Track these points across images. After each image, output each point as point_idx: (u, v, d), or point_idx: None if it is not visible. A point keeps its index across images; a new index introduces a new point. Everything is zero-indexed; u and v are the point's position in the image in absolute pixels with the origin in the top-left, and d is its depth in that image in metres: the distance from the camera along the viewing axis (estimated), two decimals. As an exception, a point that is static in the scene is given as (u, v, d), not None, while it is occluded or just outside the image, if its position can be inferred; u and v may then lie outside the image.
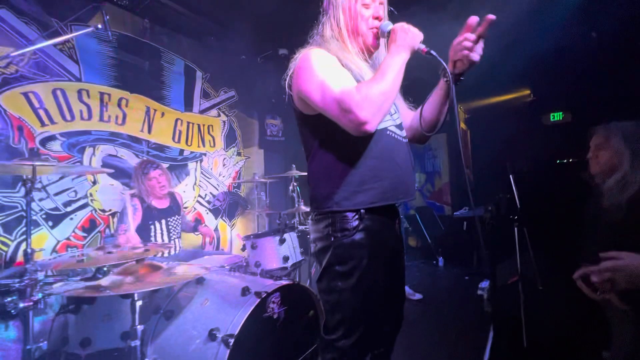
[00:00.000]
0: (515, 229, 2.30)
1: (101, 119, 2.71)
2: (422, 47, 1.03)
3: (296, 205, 2.59)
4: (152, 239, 2.40)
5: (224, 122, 3.80)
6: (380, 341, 1.19)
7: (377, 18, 1.11)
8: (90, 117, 2.64)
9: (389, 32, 1.06)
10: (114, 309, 1.63)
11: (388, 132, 1.09)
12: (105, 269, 1.28)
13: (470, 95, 5.45)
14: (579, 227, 1.73)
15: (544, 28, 3.64)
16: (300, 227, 2.51)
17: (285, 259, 2.26)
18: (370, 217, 1.04)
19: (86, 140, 2.62)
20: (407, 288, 3.31)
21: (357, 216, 1.03)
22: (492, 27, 1.02)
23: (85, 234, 2.58)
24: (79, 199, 2.55)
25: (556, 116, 4.86)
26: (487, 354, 2.19)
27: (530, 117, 5.04)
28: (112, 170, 2.68)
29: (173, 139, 3.26)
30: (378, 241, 1.04)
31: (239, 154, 3.97)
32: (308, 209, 1.19)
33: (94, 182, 2.65)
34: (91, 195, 2.62)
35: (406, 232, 4.82)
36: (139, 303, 1.41)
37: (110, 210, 2.72)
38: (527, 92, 5.26)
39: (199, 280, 1.82)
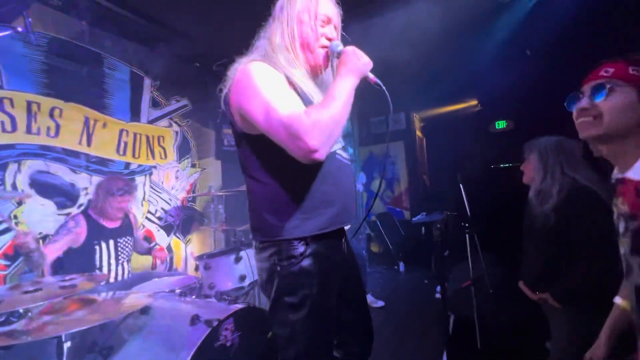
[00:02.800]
0: (467, 235, 2.42)
1: (28, 130, 2.40)
2: (371, 76, 1.02)
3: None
4: (97, 262, 2.16)
5: (176, 132, 3.59)
6: None
7: (329, 39, 1.08)
8: (14, 128, 2.34)
9: (339, 53, 1.03)
10: (38, 353, 1.42)
11: (337, 156, 1.06)
12: (20, 311, 1.10)
13: (425, 105, 5.72)
14: (521, 231, 1.85)
15: (488, 42, 3.93)
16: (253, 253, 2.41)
17: (242, 278, 2.15)
18: (316, 242, 0.99)
19: (9, 155, 2.31)
20: (369, 296, 3.33)
21: (303, 242, 0.98)
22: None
23: (8, 262, 2.25)
24: None
25: (500, 124, 5.26)
26: (444, 356, 2.26)
27: (478, 125, 5.41)
28: (31, 195, 2.37)
29: (117, 151, 3.00)
30: (327, 265, 1.00)
31: (193, 165, 3.76)
32: (251, 236, 1.11)
33: (20, 203, 2.34)
34: (15, 217, 2.31)
35: (368, 239, 4.89)
36: (67, 344, 1.23)
37: (40, 233, 2.41)
38: (475, 102, 5.65)
39: (144, 310, 1.65)
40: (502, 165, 4.60)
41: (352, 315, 1.15)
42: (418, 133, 6.16)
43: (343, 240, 1.14)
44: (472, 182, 3.75)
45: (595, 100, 0.83)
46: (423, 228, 4.77)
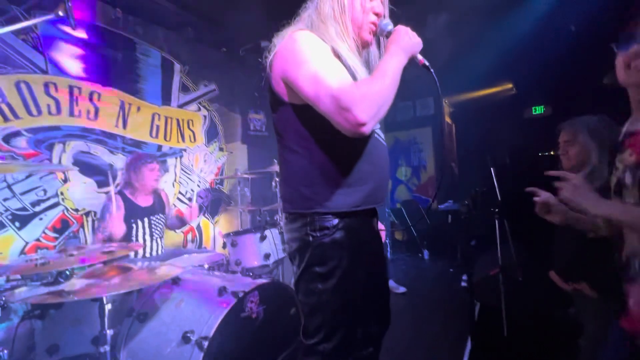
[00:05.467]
0: (496, 221, 2.32)
1: (71, 113, 2.57)
2: (420, 57, 1.00)
3: (278, 201, 2.54)
4: (133, 238, 2.31)
5: (204, 116, 3.69)
6: (367, 342, 1.16)
7: (377, 14, 1.05)
8: (59, 111, 2.51)
9: (389, 32, 1.01)
10: (83, 314, 1.55)
11: (375, 135, 1.05)
12: (67, 272, 1.21)
13: (455, 89, 5.48)
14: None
15: (525, 22, 3.67)
16: (283, 224, 2.46)
17: (267, 256, 2.22)
18: (349, 217, 0.99)
19: (55, 136, 2.49)
20: (391, 282, 3.32)
21: (336, 216, 0.98)
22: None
23: (56, 235, 2.46)
24: (48, 198, 2.42)
25: (537, 109, 4.94)
26: (468, 344, 2.22)
27: (512, 111, 5.12)
28: (76, 168, 2.55)
29: (150, 134, 3.14)
30: (358, 240, 1.00)
31: (221, 149, 3.87)
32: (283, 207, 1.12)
33: (65, 180, 2.53)
34: (62, 194, 2.50)
35: (392, 226, 4.84)
36: (108, 306, 1.34)
37: (83, 209, 2.61)
38: (510, 85, 5.32)
39: (175, 281, 1.75)
40: (540, 154, 4.34)
41: (375, 295, 1.15)
42: (447, 119, 5.92)
43: (374, 219, 1.13)
44: (504, 169, 3.58)
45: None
46: (450, 216, 4.64)
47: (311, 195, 0.98)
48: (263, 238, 2.23)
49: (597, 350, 1.56)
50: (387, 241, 3.45)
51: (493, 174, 2.27)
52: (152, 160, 2.40)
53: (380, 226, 1.35)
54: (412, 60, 0.99)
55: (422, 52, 1.02)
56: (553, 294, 1.81)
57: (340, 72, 0.89)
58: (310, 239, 0.98)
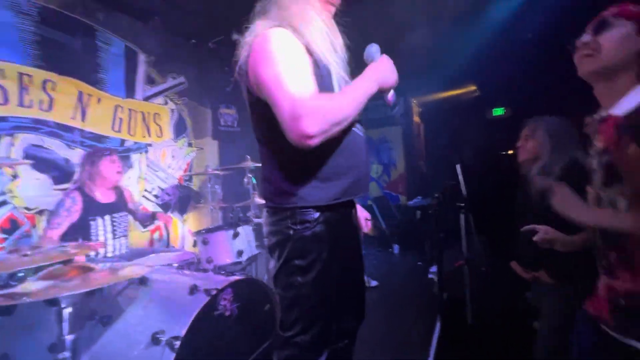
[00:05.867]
0: (462, 215, 2.45)
1: (21, 103, 2.35)
2: (391, 94, 1.04)
3: (251, 197, 2.50)
4: (92, 237, 2.16)
5: (172, 110, 3.54)
6: (343, 334, 1.18)
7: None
8: (6, 101, 2.28)
9: (373, 60, 1.04)
10: (38, 319, 1.44)
11: (353, 129, 1.06)
12: (21, 274, 1.11)
13: (423, 90, 5.68)
14: (514, 213, 1.88)
15: (487, 29, 3.88)
16: (256, 220, 2.43)
17: (240, 253, 2.17)
18: (330, 210, 1.01)
19: (2, 128, 2.27)
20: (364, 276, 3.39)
21: (317, 209, 0.99)
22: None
23: (5, 236, 2.25)
24: (-6, 196, 2.21)
25: (498, 111, 5.26)
26: (436, 332, 2.33)
27: (476, 112, 5.40)
28: (29, 162, 2.35)
29: (113, 127, 2.96)
30: (338, 233, 1.02)
31: (190, 144, 3.73)
32: (263, 202, 1.12)
33: (14, 177, 2.31)
34: (11, 191, 2.29)
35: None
36: (67, 310, 1.24)
37: (36, 207, 2.40)
38: (474, 88, 5.61)
39: (142, 281, 1.67)
40: (499, 153, 4.62)
41: (351, 289, 1.17)
42: (416, 118, 6.13)
43: (353, 211, 1.15)
44: (469, 166, 3.77)
45: (596, 35, 0.86)
46: (418, 212, 4.82)
47: (291, 190, 0.99)
48: (236, 235, 2.19)
49: (551, 332, 1.70)
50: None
51: (458, 170, 2.39)
52: (110, 154, 2.27)
53: (366, 214, 1.37)
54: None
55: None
56: (514, 282, 1.94)
57: (304, 79, 0.89)
58: (291, 232, 0.98)
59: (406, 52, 4.07)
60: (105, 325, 1.52)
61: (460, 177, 2.44)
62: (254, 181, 2.51)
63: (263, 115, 0.98)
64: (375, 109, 5.72)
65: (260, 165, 1.11)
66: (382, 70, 0.99)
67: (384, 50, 1.07)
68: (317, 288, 0.98)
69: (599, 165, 0.90)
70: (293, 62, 0.90)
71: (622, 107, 0.84)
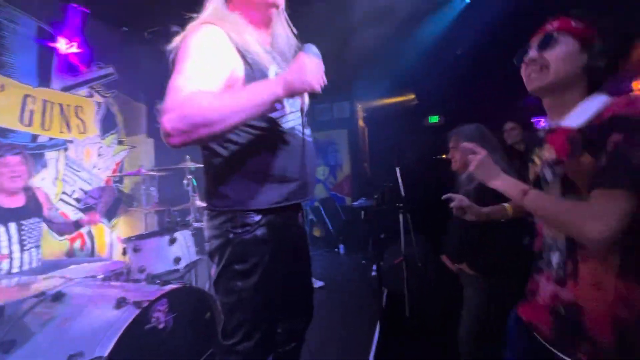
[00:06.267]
0: (400, 215, 2.61)
1: None
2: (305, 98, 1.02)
3: (191, 200, 2.35)
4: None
5: (98, 103, 3.16)
6: (290, 337, 1.16)
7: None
8: None
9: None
10: None
11: (296, 132, 1.04)
12: None
13: (368, 95, 5.93)
14: (447, 213, 2.06)
15: (424, 42, 4.22)
16: (196, 224, 2.28)
17: (177, 260, 2.02)
18: (273, 213, 0.99)
19: None
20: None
21: (258, 212, 0.97)
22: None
23: None
24: None
25: (433, 119, 5.72)
26: (377, 327, 2.44)
27: (414, 119, 5.82)
28: None
29: (21, 120, 2.54)
30: (281, 236, 1.00)
31: (120, 142, 3.38)
32: (204, 204, 1.06)
33: None
34: None
35: (311, 224, 4.98)
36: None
37: None
38: (413, 96, 6.04)
39: (57, 296, 1.46)
40: (434, 157, 5.02)
41: (298, 291, 1.16)
42: (360, 122, 6.38)
43: (299, 214, 1.14)
44: (408, 170, 4.04)
45: (542, 51, 0.89)
46: (363, 212, 5.00)
47: (231, 193, 0.96)
48: (172, 241, 2.03)
49: (472, 321, 1.89)
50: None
51: (398, 173, 2.54)
52: (15, 152, 1.95)
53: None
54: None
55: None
56: (447, 275, 2.12)
57: (201, 76, 0.83)
58: (231, 235, 0.95)
59: (353, 60, 4.23)
60: (7, 352, 1.29)
61: (400, 180, 2.60)
62: (195, 183, 2.36)
63: None
64: (322, 112, 5.83)
65: (201, 166, 1.05)
66: (294, 72, 0.85)
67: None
68: (259, 292, 0.96)
69: (553, 176, 0.89)
70: (203, 58, 0.86)
71: (572, 119, 0.85)
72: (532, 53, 0.90)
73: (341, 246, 4.85)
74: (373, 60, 4.51)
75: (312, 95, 0.91)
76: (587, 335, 0.77)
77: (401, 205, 2.60)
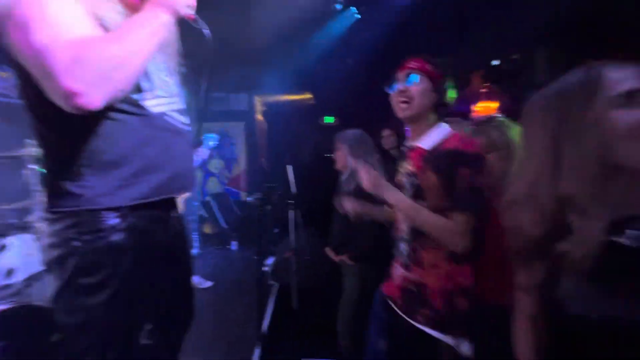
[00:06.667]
0: (291, 211, 2.70)
1: None
2: (189, 13, 0.87)
3: (32, 196, 1.87)
4: None
5: None
6: (162, 350, 1.04)
7: None
8: None
9: None
10: None
11: (166, 118, 0.91)
12: None
13: (268, 90, 5.89)
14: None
15: (322, 45, 4.45)
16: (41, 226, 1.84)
17: (10, 272, 1.59)
18: (135, 214, 0.83)
19: None
20: (196, 278, 3.21)
21: (116, 213, 0.81)
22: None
23: None
24: None
25: (329, 119, 6.10)
26: (267, 320, 2.48)
27: (311, 118, 6.08)
28: None
29: None
30: (146, 239, 0.86)
31: None
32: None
33: None
34: None
35: (201, 220, 4.67)
36: None
37: None
38: (310, 96, 6.29)
39: None
40: (326, 155, 5.36)
41: (172, 300, 1.05)
42: (259, 116, 6.30)
43: (172, 211, 1.00)
44: (303, 166, 4.20)
45: (408, 85, 1.11)
46: (258, 208, 4.97)
47: (77, 189, 0.77)
48: (3, 248, 1.58)
49: (349, 304, 2.11)
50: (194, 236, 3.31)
51: (290, 170, 2.62)
52: None
53: None
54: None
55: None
56: (332, 266, 2.30)
57: (65, 21, 0.67)
58: (77, 243, 0.78)
59: (253, 53, 4.13)
60: None
61: (291, 177, 2.68)
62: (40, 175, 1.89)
63: (30, 83, 0.71)
64: (218, 102, 5.49)
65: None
66: None
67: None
68: (112, 308, 0.82)
69: (409, 184, 1.14)
70: (63, 3, 0.68)
71: (425, 142, 1.12)
72: (401, 85, 1.12)
73: (233, 243, 4.71)
74: (274, 56, 4.51)
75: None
76: (426, 303, 1.05)
77: (292, 201, 2.69)
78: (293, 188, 2.71)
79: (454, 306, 1.03)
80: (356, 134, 2.08)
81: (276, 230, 3.98)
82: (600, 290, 0.58)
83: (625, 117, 0.54)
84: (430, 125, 1.14)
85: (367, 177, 1.12)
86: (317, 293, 2.71)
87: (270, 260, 3.30)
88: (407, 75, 1.13)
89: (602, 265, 0.55)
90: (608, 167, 0.56)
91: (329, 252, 2.30)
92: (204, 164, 4.79)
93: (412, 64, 1.14)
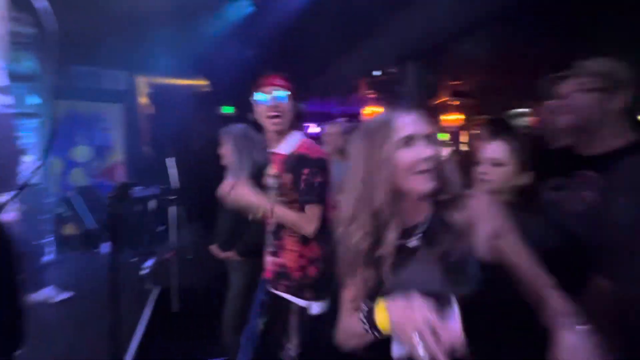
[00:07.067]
0: (173, 207, 2.49)
1: None
2: None
3: None
4: None
5: None
6: None
7: None
8: None
9: None
10: None
11: None
12: None
13: (154, 70, 5.24)
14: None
15: (218, 33, 4.20)
16: None
17: None
18: None
19: None
20: (49, 289, 2.68)
21: None
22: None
23: None
24: None
25: (227, 109, 5.82)
26: (142, 326, 2.25)
27: (206, 106, 5.67)
28: None
29: None
30: None
31: None
32: None
33: None
34: None
35: (59, 219, 3.86)
36: None
37: None
38: (206, 82, 5.85)
39: None
40: (216, 147, 5.09)
41: None
42: (143, 99, 5.53)
43: None
44: (192, 158, 3.87)
45: (279, 101, 1.28)
46: (139, 204, 4.39)
47: None
48: None
49: (234, 298, 2.10)
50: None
51: (171, 163, 2.41)
52: None
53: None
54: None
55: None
56: (217, 265, 2.22)
57: None
58: None
59: (137, 25, 3.56)
60: None
61: (173, 170, 2.47)
62: None
63: None
64: (87, 78, 4.57)
65: None
66: None
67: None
68: None
69: (273, 184, 1.34)
70: None
71: (284, 148, 1.33)
72: (273, 101, 1.29)
73: (104, 244, 4.06)
74: (159, 33, 4.01)
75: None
76: (288, 277, 1.33)
77: (173, 197, 2.49)
78: (175, 182, 2.50)
79: (307, 275, 1.33)
80: (241, 129, 2.05)
81: (161, 229, 3.62)
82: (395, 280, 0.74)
83: (404, 155, 0.72)
84: (289, 134, 1.35)
85: (232, 191, 1.33)
86: (201, 294, 2.58)
87: (149, 262, 2.97)
88: (273, 90, 1.30)
89: (396, 262, 0.73)
90: (398, 192, 0.74)
91: (214, 249, 2.22)
92: (63, 152, 3.94)
93: (278, 81, 1.32)
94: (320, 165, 1.29)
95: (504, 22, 3.24)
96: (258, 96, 1.32)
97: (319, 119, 7.75)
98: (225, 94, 5.57)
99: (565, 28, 3.27)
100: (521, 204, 1.08)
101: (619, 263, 0.79)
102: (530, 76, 1.21)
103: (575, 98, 1.11)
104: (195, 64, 4.97)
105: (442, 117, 7.51)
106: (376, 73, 4.09)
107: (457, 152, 5.49)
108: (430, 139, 0.75)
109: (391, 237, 0.73)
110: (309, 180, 1.25)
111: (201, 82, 5.84)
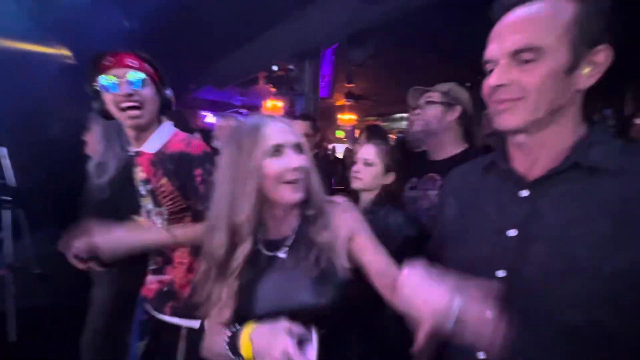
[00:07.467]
0: (6, 211, 1.94)
1: None
2: None
3: None
4: None
5: None
6: None
7: None
8: None
9: None
10: None
11: None
12: None
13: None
14: (80, 205, 1.78)
15: None
16: None
17: None
18: None
19: None
20: None
21: None
22: None
23: None
24: None
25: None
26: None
27: (71, 80, 4.61)
28: None
29: None
30: None
31: None
32: None
33: None
34: None
35: None
36: None
37: None
38: (68, 53, 4.77)
39: None
40: (81, 137, 4.24)
41: None
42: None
43: None
44: (38, 147, 3.07)
45: (136, 88, 1.00)
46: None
47: None
48: None
49: (98, 313, 1.79)
50: None
51: (1, 153, 1.86)
52: None
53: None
54: None
55: None
56: (76, 278, 1.82)
57: None
58: None
59: None
60: None
61: (6, 163, 1.91)
62: None
63: None
64: None
65: None
66: None
67: None
68: None
69: (145, 191, 1.11)
70: None
71: (149, 146, 1.07)
72: (128, 88, 1.01)
73: None
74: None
75: None
76: (174, 296, 1.17)
77: (8, 198, 1.94)
78: (11, 179, 1.95)
79: (196, 292, 1.19)
80: (109, 124, 1.74)
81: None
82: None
83: (272, 164, 0.70)
84: (154, 129, 1.11)
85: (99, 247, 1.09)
86: (51, 316, 2.09)
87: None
88: (126, 73, 1.00)
89: (262, 273, 0.74)
90: (265, 201, 0.72)
91: (72, 260, 1.84)
92: None
93: (132, 61, 1.01)
94: (210, 160, 1.08)
95: (401, 28, 3.59)
96: (104, 80, 0.99)
97: (218, 109, 7.27)
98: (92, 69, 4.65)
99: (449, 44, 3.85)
100: (387, 199, 1.25)
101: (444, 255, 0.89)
102: (414, 84, 1.37)
103: (425, 109, 1.32)
104: (55, 28, 4.01)
105: (339, 116, 8.04)
106: (274, 68, 4.03)
107: (328, 154, 5.97)
108: (299, 148, 0.74)
109: (244, 249, 0.71)
110: (206, 181, 1.03)
111: (63, 52, 4.74)
